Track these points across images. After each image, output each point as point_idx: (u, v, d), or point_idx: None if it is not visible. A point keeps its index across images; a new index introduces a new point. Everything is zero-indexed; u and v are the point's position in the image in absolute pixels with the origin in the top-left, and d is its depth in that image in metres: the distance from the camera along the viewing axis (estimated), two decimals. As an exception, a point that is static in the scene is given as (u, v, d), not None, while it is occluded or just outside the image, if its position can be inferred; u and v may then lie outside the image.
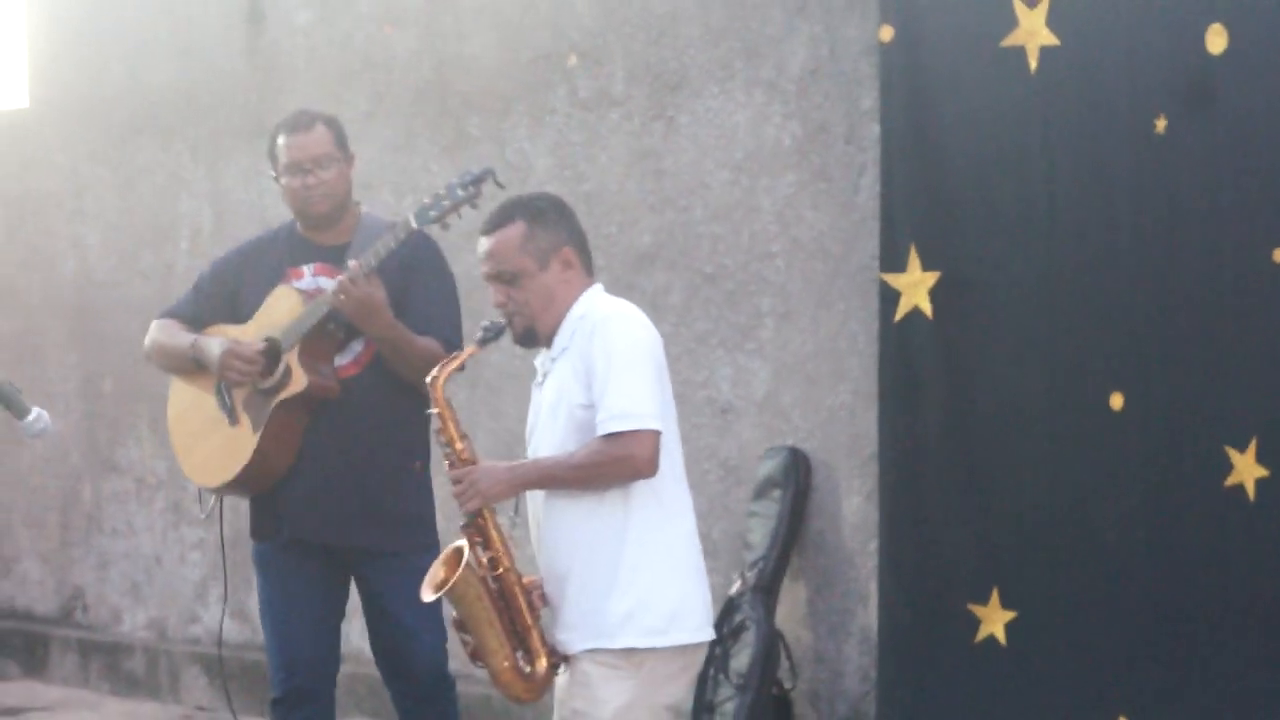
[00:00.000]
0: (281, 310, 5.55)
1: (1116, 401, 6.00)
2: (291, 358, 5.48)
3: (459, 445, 4.67)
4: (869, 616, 6.73)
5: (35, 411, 5.45)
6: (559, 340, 4.63)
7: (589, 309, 4.62)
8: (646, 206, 7.45)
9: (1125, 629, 6.02)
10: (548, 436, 4.64)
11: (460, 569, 4.55)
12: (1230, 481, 5.78)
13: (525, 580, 4.66)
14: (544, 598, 4.69)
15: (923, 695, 6.41)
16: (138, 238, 9.37)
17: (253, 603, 8.75)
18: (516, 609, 4.61)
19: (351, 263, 5.35)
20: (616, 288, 7.29)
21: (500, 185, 5.40)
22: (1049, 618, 6.16)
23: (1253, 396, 5.75)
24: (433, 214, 5.38)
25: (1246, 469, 5.75)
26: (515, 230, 4.62)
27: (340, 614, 5.86)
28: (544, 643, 4.63)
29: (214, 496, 5.83)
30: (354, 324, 5.41)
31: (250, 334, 5.58)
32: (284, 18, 8.74)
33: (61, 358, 9.77)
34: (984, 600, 6.27)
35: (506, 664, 4.58)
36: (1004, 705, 6.24)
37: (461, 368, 4.82)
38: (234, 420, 5.61)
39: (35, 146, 9.86)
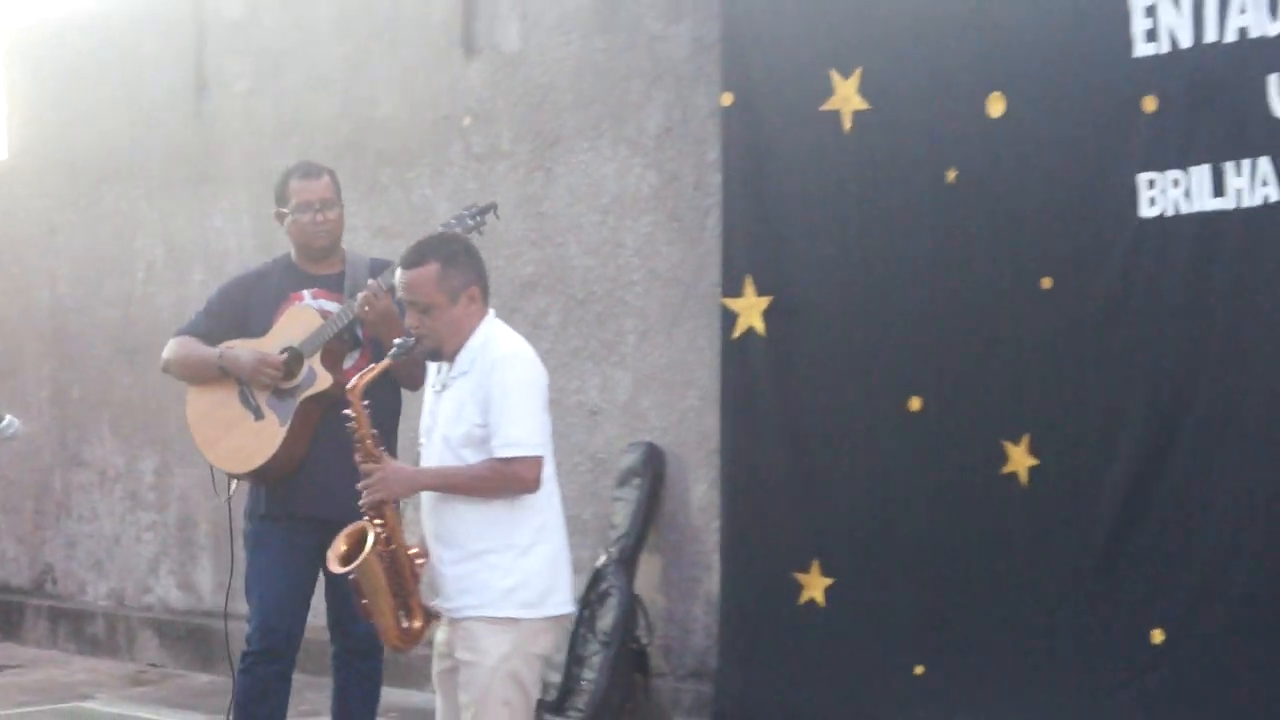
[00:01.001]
0: (300, 324, 5.57)
1: (915, 404, 6.01)
2: (314, 362, 5.52)
3: (369, 443, 4.68)
4: (713, 583, 6.72)
5: (7, 419, 5.37)
6: (460, 363, 4.64)
7: (488, 338, 4.64)
8: (529, 243, 7.42)
9: (923, 593, 6.03)
10: (443, 441, 4.67)
11: (366, 550, 4.58)
12: (1006, 470, 5.77)
13: (410, 552, 4.68)
14: (423, 567, 4.71)
15: (757, 648, 6.43)
16: (101, 270, 9.27)
17: (199, 575, 8.76)
18: (403, 577, 4.66)
19: (371, 282, 5.36)
20: (505, 310, 7.22)
21: (497, 217, 5.51)
22: (860, 583, 6.17)
23: (1025, 399, 5.75)
24: None
25: (1020, 460, 5.75)
26: (431, 269, 4.61)
27: (313, 588, 5.77)
28: (420, 605, 4.68)
29: (233, 481, 5.76)
30: (375, 331, 5.41)
31: (268, 345, 5.59)
32: (225, 87, 8.69)
33: (37, 371, 9.65)
34: (806, 569, 6.28)
35: (392, 621, 4.65)
36: (823, 655, 6.24)
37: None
38: (259, 416, 5.60)
39: (13, 193, 9.75)
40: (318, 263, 5.69)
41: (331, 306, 5.55)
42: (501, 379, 4.56)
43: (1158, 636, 5.43)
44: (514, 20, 7.46)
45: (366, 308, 5.34)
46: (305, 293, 5.65)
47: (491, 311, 4.74)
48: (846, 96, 6.13)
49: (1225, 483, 5.29)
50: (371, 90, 8.05)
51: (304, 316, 5.59)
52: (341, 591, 5.45)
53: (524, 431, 4.55)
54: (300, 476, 5.57)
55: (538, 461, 4.58)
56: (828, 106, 6.16)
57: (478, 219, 5.39)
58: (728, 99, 6.49)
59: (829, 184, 6.19)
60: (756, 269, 6.37)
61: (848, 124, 6.13)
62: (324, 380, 5.49)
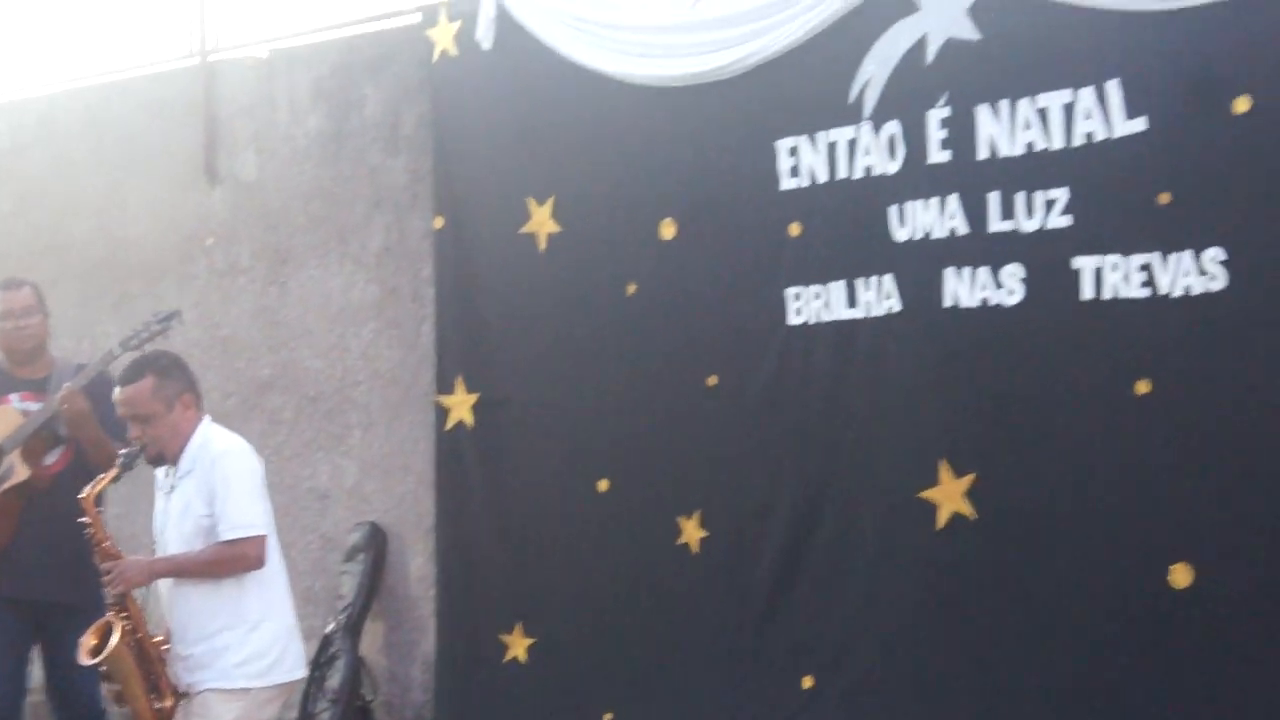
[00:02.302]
0: (3, 423, 5.36)
1: (603, 485, 5.90)
2: (15, 457, 5.32)
3: (106, 544, 4.56)
4: (429, 645, 6.51)
5: None
6: (183, 464, 4.54)
7: (206, 439, 4.55)
8: (266, 348, 7.15)
9: (611, 649, 5.88)
10: (176, 535, 4.55)
11: (114, 641, 4.44)
12: (680, 541, 5.69)
13: (154, 639, 4.55)
14: (167, 651, 4.57)
15: (468, 701, 6.22)
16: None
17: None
18: (150, 661, 4.53)
19: (66, 385, 5.22)
20: (244, 408, 7.01)
21: (182, 323, 5.40)
22: (557, 642, 6.02)
23: (696, 480, 5.67)
24: (133, 342, 5.27)
25: (692, 532, 5.68)
26: (147, 383, 4.52)
27: (28, 658, 5.48)
28: (169, 685, 4.53)
29: None
30: (70, 427, 5.24)
31: None
32: (-11, 210, 8.22)
33: None
34: (510, 631, 6.13)
35: (145, 704, 4.50)
36: (526, 705, 6.07)
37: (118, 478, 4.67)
38: None
39: None
40: (25, 366, 5.49)
41: (35, 407, 5.35)
42: (222, 472, 4.43)
43: (808, 682, 5.38)
44: (252, 153, 7.22)
45: (65, 405, 5.16)
46: (13, 396, 5.45)
47: (207, 415, 4.59)
48: (542, 221, 6.05)
49: (863, 551, 5.26)
50: (124, 214, 7.71)
51: (7, 416, 5.38)
52: (60, 666, 5.25)
53: (246, 515, 4.42)
54: (4, 562, 5.29)
55: (261, 540, 4.44)
56: (526, 229, 6.08)
57: (163, 324, 5.27)
58: (439, 222, 6.36)
59: (528, 296, 6.09)
60: (466, 370, 6.24)
61: (543, 244, 6.05)
62: (21, 473, 5.29)
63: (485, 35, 6.11)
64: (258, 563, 4.43)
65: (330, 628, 6.59)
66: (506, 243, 6.10)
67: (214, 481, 4.44)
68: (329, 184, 6.96)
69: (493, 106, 6.15)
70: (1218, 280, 4.52)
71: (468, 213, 6.24)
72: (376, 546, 6.66)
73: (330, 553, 6.85)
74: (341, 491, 6.89)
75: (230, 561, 4.41)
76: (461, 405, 6.23)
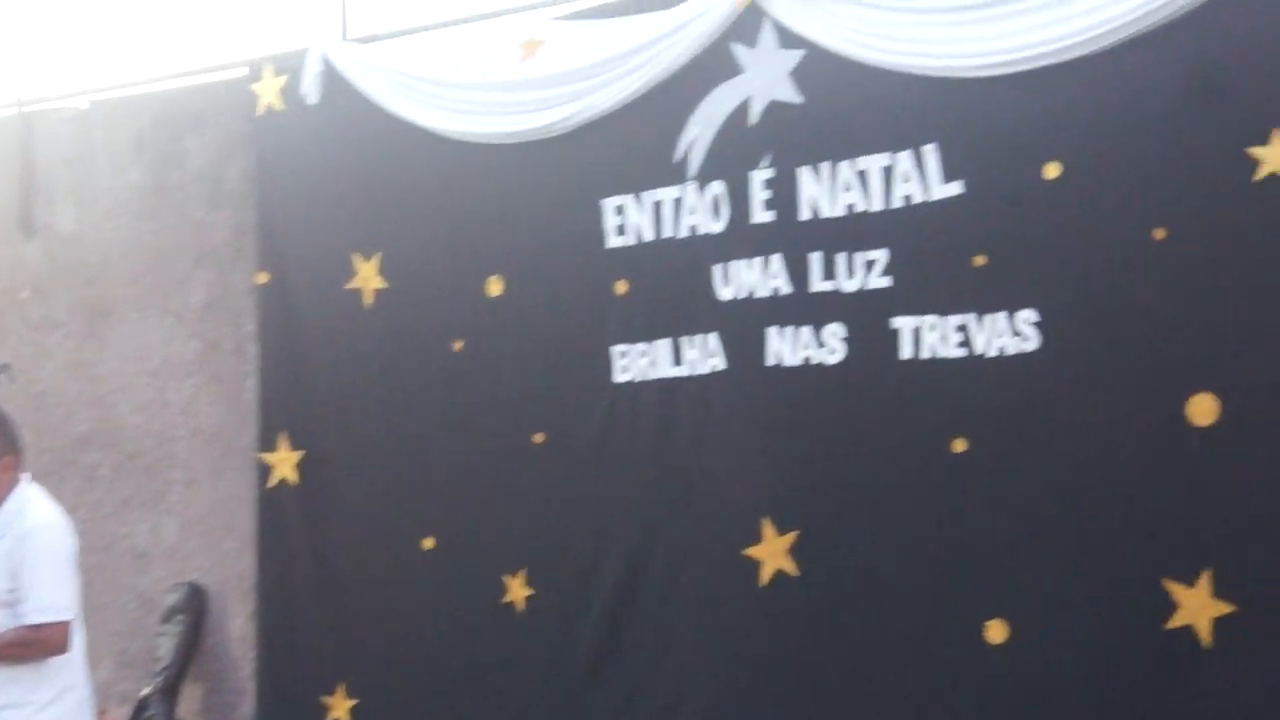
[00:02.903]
0: None
1: (429, 543, 5.73)
2: None
3: None
4: (249, 707, 6.27)
5: None
6: None
7: (22, 506, 4.25)
8: (83, 403, 6.86)
9: (437, 708, 5.70)
10: None
11: None
12: (506, 599, 5.54)
13: None
14: None
15: (288, 763, 5.97)
16: None
17: None
18: None
19: None
20: (60, 464, 6.67)
21: (14, 380, 5.16)
22: (381, 703, 5.83)
23: (521, 538, 5.53)
24: None
25: (517, 591, 5.53)
26: None
27: None
28: None
29: None
30: None
31: None
32: None
33: None
34: (332, 692, 5.92)
35: None
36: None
37: None
38: None
39: None
40: None
41: None
42: (33, 548, 4.15)
43: (634, 738, 5.27)
44: (69, 205, 6.94)
45: None
46: None
47: (26, 476, 4.28)
48: (368, 277, 5.90)
49: (688, 608, 5.17)
50: (-67, 266, 7.30)
51: None
52: None
53: (53, 598, 4.13)
54: None
55: (67, 626, 4.15)
56: (351, 285, 5.93)
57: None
58: (263, 277, 6.16)
59: (354, 352, 5.93)
60: (290, 426, 6.04)
61: (369, 300, 5.90)
62: None
63: (311, 90, 5.98)
64: (61, 649, 4.15)
65: (146, 691, 6.32)
66: (332, 298, 5.94)
67: (23, 556, 4.14)
68: (150, 237, 6.70)
69: (319, 161, 6.01)
70: (1030, 341, 4.55)
71: (292, 268, 6.06)
72: (196, 607, 6.40)
73: (148, 614, 6.56)
74: (160, 550, 6.61)
75: (34, 645, 4.13)
76: (285, 462, 6.03)
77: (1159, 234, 4.34)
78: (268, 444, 6.06)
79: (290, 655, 6.00)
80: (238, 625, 6.35)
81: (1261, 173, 4.19)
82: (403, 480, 5.78)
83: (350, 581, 5.88)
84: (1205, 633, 4.25)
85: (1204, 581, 4.25)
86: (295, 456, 6.00)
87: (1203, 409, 4.27)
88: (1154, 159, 4.35)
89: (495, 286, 5.60)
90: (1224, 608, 4.22)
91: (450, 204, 5.70)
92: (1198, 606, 4.26)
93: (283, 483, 6.02)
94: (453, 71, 5.67)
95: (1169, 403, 4.32)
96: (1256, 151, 4.19)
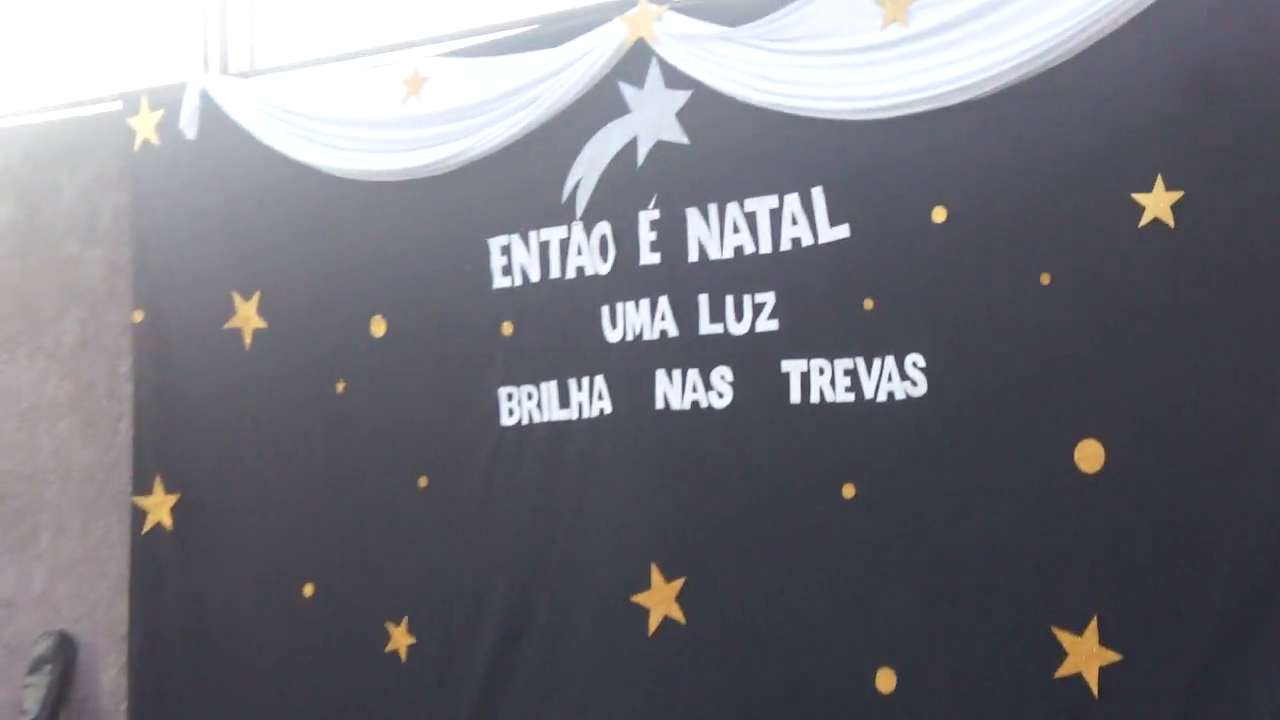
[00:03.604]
0: None
1: (309, 590, 5.56)
2: None
3: None
4: (120, 762, 6.00)
5: None
6: None
7: None
8: (-53, 446, 6.53)
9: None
10: None
11: None
12: (389, 648, 5.38)
13: None
14: None
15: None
16: None
17: None
18: None
19: None
20: (-77, 509, 6.34)
21: None
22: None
23: (403, 585, 5.37)
24: None
25: (400, 639, 5.38)
26: None
27: None
28: None
29: None
30: None
31: None
32: None
33: None
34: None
35: None
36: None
37: None
38: None
39: None
40: None
41: None
42: None
43: (520, 793, 5.14)
44: (-64, 241, 6.62)
45: None
46: None
47: None
48: (247, 316, 5.74)
49: (575, 656, 5.05)
50: None
51: None
52: None
53: None
54: None
55: None
56: (230, 325, 5.76)
57: None
58: (139, 316, 5.97)
59: (232, 394, 5.75)
60: (165, 470, 5.84)
61: (248, 340, 5.74)
62: None
63: (189, 125, 5.83)
64: None
65: (11, 746, 6.00)
66: (210, 338, 5.77)
67: None
68: (19, 276, 6.45)
69: (197, 198, 5.84)
70: (919, 386, 4.52)
71: (169, 306, 5.89)
72: (65, 657, 6.14)
73: (14, 663, 6.28)
74: (28, 598, 6.33)
75: None
76: (160, 507, 5.83)
77: (1045, 278, 4.32)
78: (142, 488, 5.86)
79: (164, 708, 5.79)
80: (109, 677, 6.10)
81: (1145, 219, 4.18)
82: (283, 525, 5.61)
83: (227, 631, 5.69)
84: (1093, 682, 4.21)
85: (1091, 629, 4.21)
86: (171, 500, 5.81)
87: (1089, 454, 4.24)
88: (1040, 204, 4.33)
89: (379, 326, 5.48)
90: (1110, 656, 4.19)
91: (332, 242, 5.57)
92: (1086, 655, 4.22)
93: (158, 528, 5.83)
94: (336, 108, 5.55)
95: (1057, 449, 4.28)
96: (1141, 198, 4.19)
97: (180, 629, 5.76)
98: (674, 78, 4.90)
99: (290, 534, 5.59)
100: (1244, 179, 4.10)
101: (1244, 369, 4.08)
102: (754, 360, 4.73)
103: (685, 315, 4.86)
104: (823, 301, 4.65)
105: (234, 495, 5.71)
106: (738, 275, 4.77)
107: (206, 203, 5.80)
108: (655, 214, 4.92)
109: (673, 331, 4.88)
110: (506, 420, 5.21)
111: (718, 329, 4.81)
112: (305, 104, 5.60)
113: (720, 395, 4.81)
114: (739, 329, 4.78)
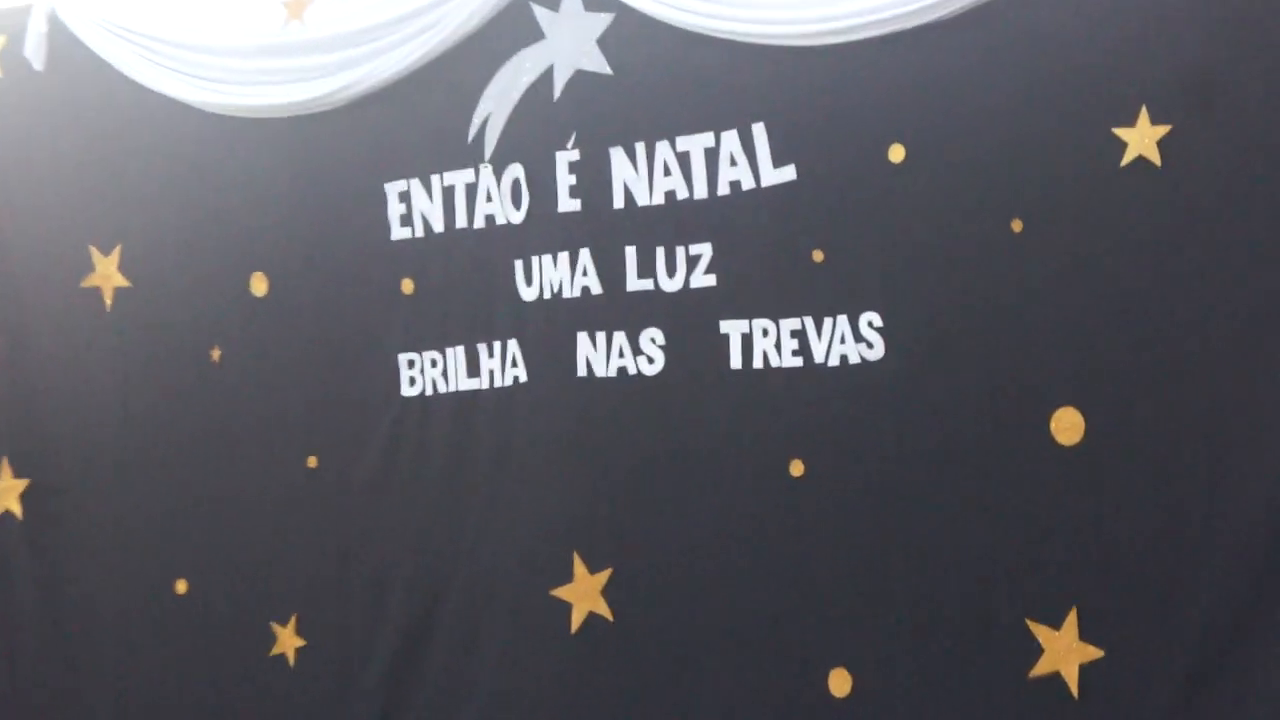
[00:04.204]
0: None
1: (182, 587, 5.34)
2: None
3: None
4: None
5: None
6: None
7: None
8: None
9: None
10: None
11: None
12: (275, 651, 5.16)
13: None
14: None
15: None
16: None
17: None
18: None
19: None
20: None
21: None
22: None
23: (292, 580, 5.16)
24: None
25: (288, 641, 5.15)
26: None
27: None
28: None
29: None
30: None
31: None
32: None
33: None
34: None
35: None
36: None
37: None
38: None
39: None
40: None
41: None
42: None
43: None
44: None
45: None
46: None
47: None
48: (107, 274, 5.50)
49: (488, 658, 4.85)
50: None
51: None
52: None
53: None
54: None
55: None
56: (88, 283, 5.52)
57: None
58: (-18, 275, 5.74)
59: (91, 362, 5.53)
60: (14, 451, 5.62)
61: (109, 301, 5.49)
62: None
63: (36, 54, 5.53)
64: None
65: None
66: (65, 299, 5.52)
67: None
68: None
69: (47, 137, 5.58)
70: (875, 348, 4.35)
71: (18, 263, 5.61)
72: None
73: None
74: None
75: None
76: (8, 493, 5.58)
77: (1016, 225, 4.12)
78: (-7, 476, 5.67)
79: (14, 713, 5.53)
80: (-32, 678, 5.79)
81: (1128, 157, 3.98)
82: (150, 513, 5.39)
83: (88, 631, 5.47)
84: (1073, 681, 4.03)
85: (1070, 622, 4.04)
86: (20, 486, 5.57)
87: (1066, 425, 4.06)
88: (1010, 141, 4.13)
89: (260, 285, 5.25)
90: (1092, 652, 4.02)
91: (205, 188, 5.33)
92: (1064, 651, 4.04)
93: (6, 516, 5.58)
94: (207, 34, 5.29)
95: (1031, 418, 4.10)
96: (1122, 133, 3.98)
97: (33, 629, 5.55)
98: None
99: (159, 523, 5.39)
100: (1239, 112, 3.90)
101: (1240, 327, 3.90)
102: (688, 321, 4.57)
103: (610, 270, 4.69)
104: (766, 253, 4.48)
105: (93, 480, 5.50)
106: (669, 224, 4.60)
107: (59, 143, 5.55)
108: (574, 155, 4.73)
109: (596, 288, 4.71)
110: (408, 390, 5.01)
111: (647, 285, 4.64)
112: (172, 29, 5.34)
113: (650, 360, 4.65)
114: (671, 285, 4.61)
